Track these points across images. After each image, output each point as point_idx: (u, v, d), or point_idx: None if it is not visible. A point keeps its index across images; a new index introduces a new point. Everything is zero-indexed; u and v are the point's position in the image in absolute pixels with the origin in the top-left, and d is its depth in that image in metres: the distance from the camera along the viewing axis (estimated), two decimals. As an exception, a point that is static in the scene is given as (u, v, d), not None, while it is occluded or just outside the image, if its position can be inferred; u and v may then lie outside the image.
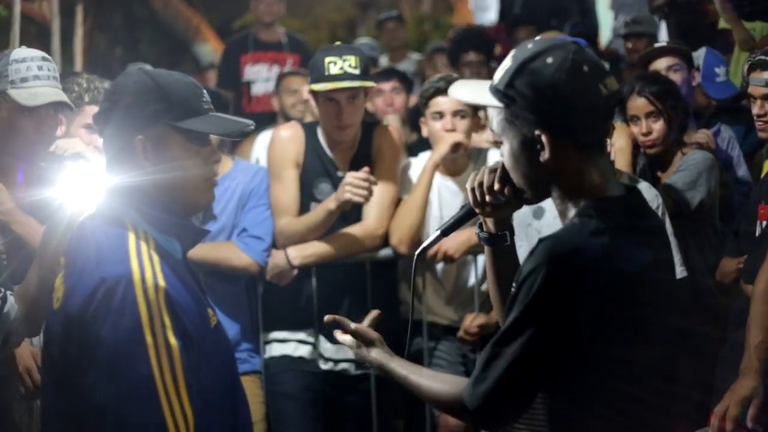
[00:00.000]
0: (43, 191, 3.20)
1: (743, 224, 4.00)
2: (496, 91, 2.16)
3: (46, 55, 3.57)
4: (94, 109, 3.96)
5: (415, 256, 2.46)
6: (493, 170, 2.29)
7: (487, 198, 2.30)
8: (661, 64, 4.90)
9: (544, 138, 2.11)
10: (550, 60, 2.11)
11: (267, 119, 6.40)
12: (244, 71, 7.29)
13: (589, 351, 2.06)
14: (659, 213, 3.76)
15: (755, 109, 4.02)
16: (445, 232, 2.43)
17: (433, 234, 2.42)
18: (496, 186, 2.27)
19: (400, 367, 2.30)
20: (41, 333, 3.02)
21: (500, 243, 2.42)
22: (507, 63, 2.17)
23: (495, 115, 2.19)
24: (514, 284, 2.13)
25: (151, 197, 2.22)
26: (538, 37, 2.34)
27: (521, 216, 4.04)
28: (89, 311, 2.07)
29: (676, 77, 4.78)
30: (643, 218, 2.22)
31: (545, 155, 2.12)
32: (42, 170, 3.43)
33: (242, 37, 7.54)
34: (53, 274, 2.35)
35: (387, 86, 5.83)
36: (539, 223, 4.00)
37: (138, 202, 2.21)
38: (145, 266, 2.09)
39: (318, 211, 4.25)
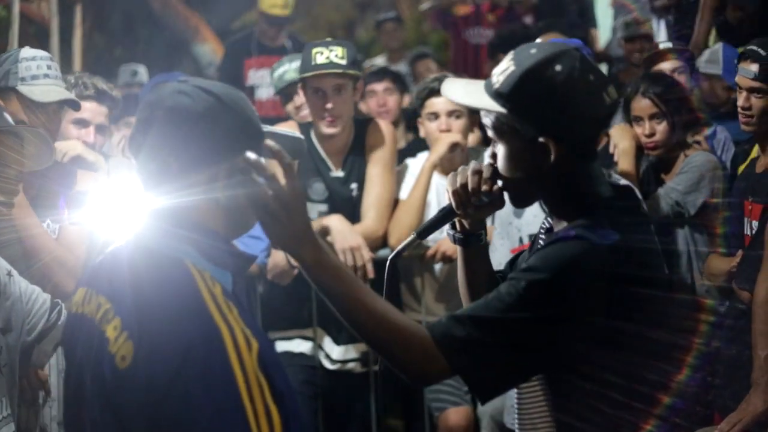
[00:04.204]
0: (83, 215, 3.22)
1: (730, 221, 3.97)
2: (498, 95, 2.12)
3: (51, 56, 3.62)
4: (83, 104, 3.95)
5: (389, 260, 2.35)
6: (476, 172, 2.24)
7: (472, 199, 2.25)
8: (665, 67, 4.86)
9: (550, 145, 2.09)
10: (558, 68, 2.07)
11: (270, 124, 6.34)
12: (247, 76, 7.17)
13: (591, 344, 2.05)
14: None
15: (740, 101, 3.96)
16: (421, 234, 2.34)
17: (409, 237, 2.33)
18: (484, 187, 2.23)
19: (345, 277, 2.11)
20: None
21: (476, 243, 2.38)
22: (509, 66, 2.12)
23: (491, 118, 2.15)
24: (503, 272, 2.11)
25: (212, 227, 2.01)
26: (538, 40, 2.32)
27: (502, 215, 4.04)
28: (176, 378, 1.84)
29: (680, 79, 4.75)
30: (640, 216, 2.26)
31: (549, 161, 2.10)
32: (84, 195, 3.42)
33: (244, 39, 7.38)
34: None
35: (379, 87, 5.78)
36: (519, 221, 3.99)
37: (197, 232, 1.99)
38: (231, 322, 1.88)
39: (314, 225, 4.25)
